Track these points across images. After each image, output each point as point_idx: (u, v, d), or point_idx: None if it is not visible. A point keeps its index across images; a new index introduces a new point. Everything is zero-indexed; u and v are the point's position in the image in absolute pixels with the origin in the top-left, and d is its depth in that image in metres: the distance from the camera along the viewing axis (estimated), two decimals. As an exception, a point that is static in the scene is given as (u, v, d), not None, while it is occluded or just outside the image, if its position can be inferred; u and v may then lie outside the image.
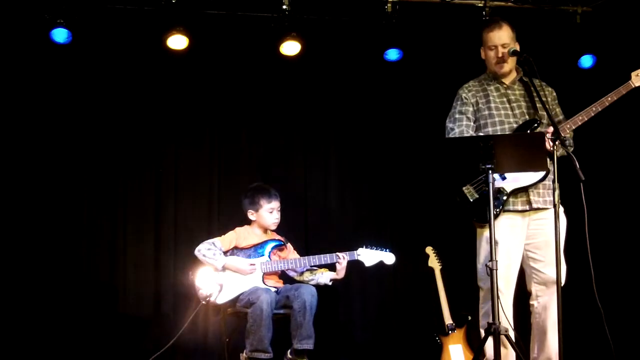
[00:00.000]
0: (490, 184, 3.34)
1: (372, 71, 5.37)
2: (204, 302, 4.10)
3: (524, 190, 3.70)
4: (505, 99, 3.83)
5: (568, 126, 3.65)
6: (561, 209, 3.66)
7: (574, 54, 5.08)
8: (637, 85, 3.64)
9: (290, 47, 4.90)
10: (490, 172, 3.34)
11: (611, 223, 5.15)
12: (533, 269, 3.79)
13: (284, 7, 4.74)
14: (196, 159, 5.28)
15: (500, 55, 3.77)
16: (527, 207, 3.71)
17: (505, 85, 3.86)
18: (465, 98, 3.91)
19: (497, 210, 3.65)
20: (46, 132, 4.99)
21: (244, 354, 3.96)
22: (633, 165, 5.17)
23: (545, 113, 3.60)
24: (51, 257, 4.91)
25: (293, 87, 5.40)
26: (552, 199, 3.60)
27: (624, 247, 5.20)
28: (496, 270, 3.27)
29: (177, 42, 4.77)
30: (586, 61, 5.08)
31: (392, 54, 5.07)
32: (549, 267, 3.67)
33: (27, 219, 4.89)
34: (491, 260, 3.28)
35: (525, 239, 3.76)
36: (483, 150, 3.31)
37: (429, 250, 4.93)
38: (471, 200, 3.75)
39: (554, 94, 3.90)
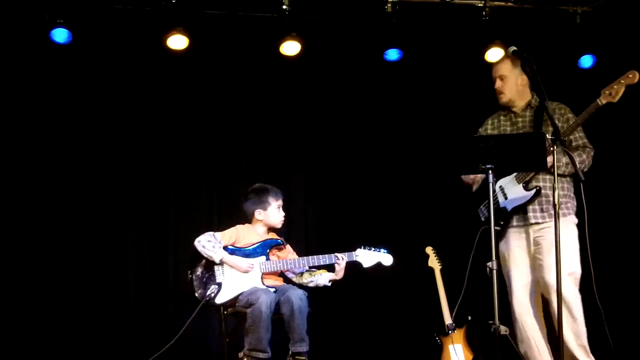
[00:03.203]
0: (491, 184, 3.38)
1: (372, 71, 5.36)
2: (203, 302, 4.09)
3: (522, 208, 3.88)
4: (514, 127, 4.03)
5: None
6: (574, 220, 3.85)
7: (574, 54, 5.08)
8: (604, 103, 3.60)
9: (290, 47, 4.90)
10: (490, 172, 3.38)
11: (611, 223, 5.14)
12: (537, 275, 3.90)
13: (284, 7, 4.74)
14: (196, 158, 5.28)
15: (496, 87, 4.03)
16: (522, 223, 3.91)
17: (515, 114, 4.06)
18: (479, 132, 4.21)
19: (501, 228, 3.94)
20: (47, 132, 4.99)
21: (243, 353, 3.96)
22: (632, 165, 5.17)
23: (549, 136, 3.68)
24: (51, 258, 4.91)
25: (293, 87, 5.40)
26: (552, 212, 3.69)
27: (624, 247, 5.20)
28: (496, 270, 3.29)
29: (177, 42, 4.77)
30: (586, 61, 5.08)
31: (392, 54, 5.07)
32: (550, 272, 3.74)
33: (26, 218, 4.89)
34: (491, 260, 3.30)
35: (533, 248, 3.91)
36: (483, 150, 3.33)
37: (429, 250, 4.93)
38: (482, 219, 4.02)
39: (568, 115, 3.93)
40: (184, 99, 5.25)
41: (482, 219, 4.04)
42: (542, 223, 3.86)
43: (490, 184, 3.40)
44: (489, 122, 4.20)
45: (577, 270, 3.82)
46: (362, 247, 4.24)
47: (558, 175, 3.69)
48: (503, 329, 3.27)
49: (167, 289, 5.10)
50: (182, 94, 5.25)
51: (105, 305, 4.97)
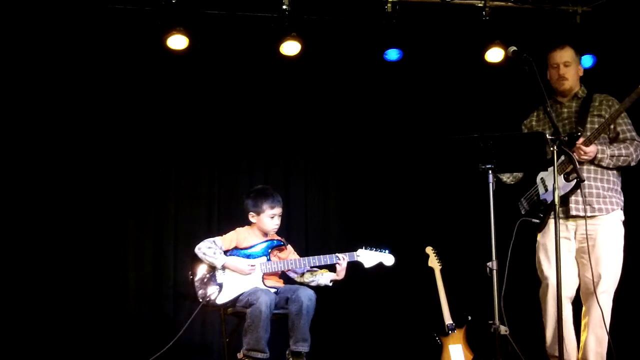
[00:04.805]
0: (491, 184, 3.38)
1: (372, 71, 5.36)
2: (204, 303, 4.10)
3: (564, 199, 3.84)
4: (559, 118, 4.03)
5: (593, 136, 3.80)
6: (620, 217, 3.89)
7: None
8: None
9: (290, 47, 4.90)
10: (490, 172, 3.38)
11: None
12: (580, 273, 3.94)
13: (284, 7, 4.73)
14: (196, 158, 5.28)
15: (561, 72, 4.01)
16: (563, 215, 3.85)
17: (561, 104, 4.07)
18: (524, 125, 4.23)
19: (541, 220, 3.94)
20: (46, 133, 4.98)
21: (241, 353, 3.96)
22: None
23: (595, 126, 3.83)
24: (51, 257, 4.91)
25: (293, 87, 5.40)
26: (602, 206, 3.85)
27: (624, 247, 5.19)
28: (496, 270, 3.30)
29: (177, 42, 4.77)
30: (586, 61, 5.07)
31: (392, 54, 5.07)
32: (589, 272, 3.81)
33: (27, 219, 4.88)
34: (491, 260, 3.30)
35: (577, 244, 3.91)
36: (483, 150, 3.33)
37: (429, 250, 4.93)
38: (523, 212, 4.02)
39: (616, 106, 3.94)
40: (184, 99, 5.25)
41: (522, 212, 4.04)
42: (591, 218, 3.82)
43: (490, 184, 3.39)
44: (535, 113, 4.19)
45: (618, 276, 3.87)
46: (364, 247, 4.23)
47: (603, 167, 3.85)
48: (503, 329, 3.27)
49: (167, 289, 5.10)
50: (182, 93, 5.24)
51: (106, 305, 4.97)
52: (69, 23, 4.63)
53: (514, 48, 3.67)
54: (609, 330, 3.77)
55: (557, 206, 3.35)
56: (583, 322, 3.91)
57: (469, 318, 4.71)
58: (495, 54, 4.99)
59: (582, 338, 3.88)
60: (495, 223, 3.38)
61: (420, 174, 5.44)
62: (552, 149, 3.36)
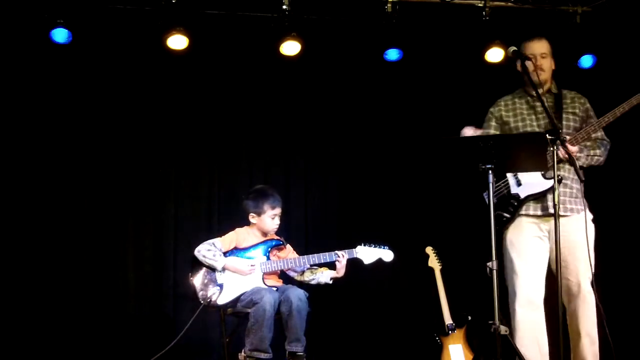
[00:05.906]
0: (490, 184, 3.38)
1: (372, 71, 5.36)
2: (204, 303, 4.10)
3: (541, 196, 3.78)
4: (532, 111, 3.95)
5: (581, 136, 3.76)
6: (590, 216, 3.79)
7: (574, 54, 5.08)
8: None
9: (290, 47, 4.90)
10: (490, 172, 3.37)
11: (611, 223, 5.14)
12: (558, 275, 3.84)
13: (284, 7, 4.74)
14: (196, 158, 5.29)
15: (538, 63, 3.89)
16: (540, 212, 3.79)
17: (532, 97, 3.95)
18: (491, 113, 4.07)
19: (511, 215, 3.83)
20: (46, 133, 4.99)
21: (243, 353, 3.95)
22: (632, 165, 5.17)
23: (571, 123, 3.80)
24: (52, 257, 4.91)
25: (293, 87, 5.40)
26: (574, 206, 3.78)
27: (624, 247, 5.20)
28: (496, 270, 3.29)
29: (177, 42, 4.77)
30: (586, 61, 5.08)
31: (392, 54, 5.07)
32: (572, 273, 3.75)
33: (27, 219, 4.89)
34: (491, 260, 3.30)
35: (550, 244, 3.82)
36: (483, 150, 3.32)
37: (429, 250, 4.93)
38: (487, 202, 3.79)
39: (587, 105, 3.95)
40: (184, 99, 5.25)
41: (487, 202, 3.86)
42: (561, 217, 3.67)
43: (491, 184, 3.38)
44: (502, 103, 4.05)
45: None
46: (362, 244, 4.24)
47: (581, 167, 3.75)
48: (503, 329, 3.27)
49: (167, 289, 5.10)
50: (182, 93, 5.25)
51: (106, 305, 4.97)
52: (69, 23, 4.63)
53: (514, 48, 3.67)
54: (607, 329, 3.75)
55: (557, 206, 3.33)
56: (572, 326, 3.81)
57: (469, 318, 4.71)
58: (495, 54, 4.99)
59: (577, 343, 3.79)
60: (495, 223, 3.37)
61: (420, 174, 5.43)
62: (552, 148, 3.35)
